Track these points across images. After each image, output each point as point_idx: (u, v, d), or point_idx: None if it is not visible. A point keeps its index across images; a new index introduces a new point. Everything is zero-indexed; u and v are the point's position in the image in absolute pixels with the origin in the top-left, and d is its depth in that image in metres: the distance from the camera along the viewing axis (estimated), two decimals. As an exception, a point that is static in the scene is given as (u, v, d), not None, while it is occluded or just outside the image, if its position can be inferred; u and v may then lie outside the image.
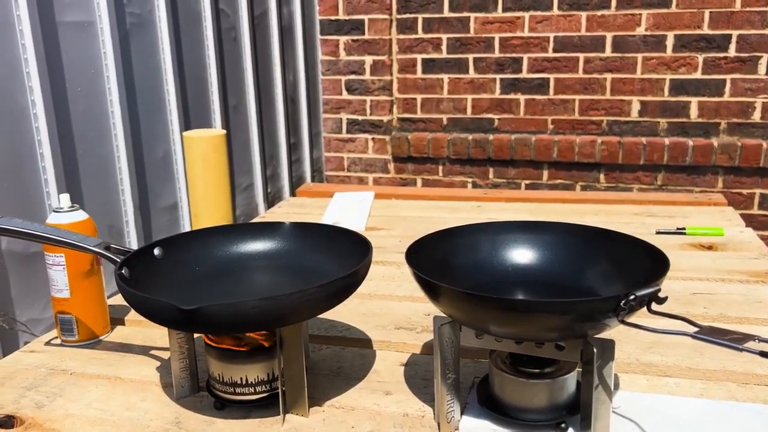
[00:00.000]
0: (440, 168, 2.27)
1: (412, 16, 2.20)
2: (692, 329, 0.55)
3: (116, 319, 0.99)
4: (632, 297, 0.58)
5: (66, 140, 1.32)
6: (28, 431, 0.72)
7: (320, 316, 0.92)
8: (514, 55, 2.15)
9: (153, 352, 0.89)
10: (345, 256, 0.77)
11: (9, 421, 0.73)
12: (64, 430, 0.72)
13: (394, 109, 2.30)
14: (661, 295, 0.60)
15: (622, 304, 0.58)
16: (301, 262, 0.82)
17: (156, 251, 0.75)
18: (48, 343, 0.94)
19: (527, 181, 2.22)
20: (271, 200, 2.01)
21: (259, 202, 1.95)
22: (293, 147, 2.18)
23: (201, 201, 1.28)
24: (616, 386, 0.79)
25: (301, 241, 0.84)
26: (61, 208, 0.88)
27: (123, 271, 0.70)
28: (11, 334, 1.09)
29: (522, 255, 0.80)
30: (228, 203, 1.33)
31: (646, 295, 0.59)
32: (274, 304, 0.63)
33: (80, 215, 0.89)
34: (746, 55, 1.99)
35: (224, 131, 1.32)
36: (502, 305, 0.63)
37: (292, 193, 2.09)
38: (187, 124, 1.64)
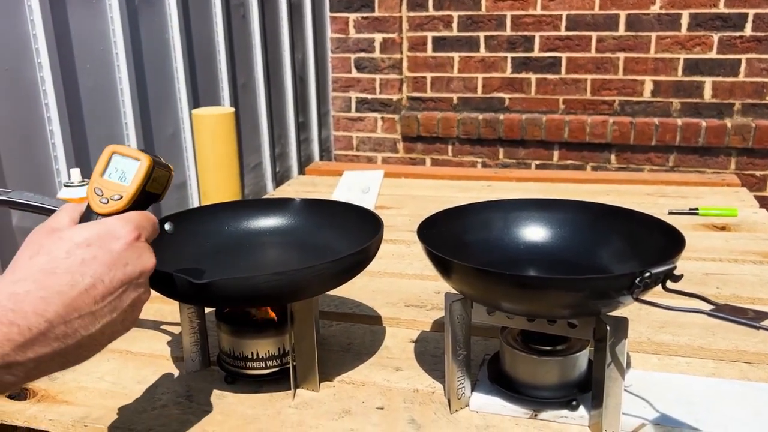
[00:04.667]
0: (450, 148, 2.26)
1: (423, -7, 2.18)
2: (708, 307, 0.55)
3: (127, 294, 1.00)
4: (647, 274, 0.57)
5: (75, 116, 1.32)
6: (41, 403, 0.72)
7: (331, 292, 0.92)
8: (525, 33, 2.13)
9: (164, 327, 0.90)
10: (356, 232, 0.76)
11: (22, 393, 0.74)
12: (77, 402, 0.72)
13: (404, 88, 2.28)
14: (675, 273, 0.59)
15: (636, 281, 0.58)
16: (311, 238, 0.82)
17: (167, 226, 0.75)
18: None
19: (537, 162, 2.21)
20: (280, 179, 2.01)
21: (268, 181, 1.95)
22: (302, 126, 2.17)
23: (210, 179, 1.28)
24: (628, 365, 0.78)
25: (311, 217, 0.84)
26: (72, 183, 0.87)
27: (134, 246, 0.69)
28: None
29: (534, 233, 0.79)
30: (237, 181, 1.33)
31: (662, 273, 0.58)
32: (286, 279, 0.62)
33: (91, 190, 0.89)
34: (763, 34, 1.96)
35: (233, 109, 1.31)
36: (515, 282, 0.63)
37: (301, 172, 2.09)
38: (195, 102, 1.63)
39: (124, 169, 0.57)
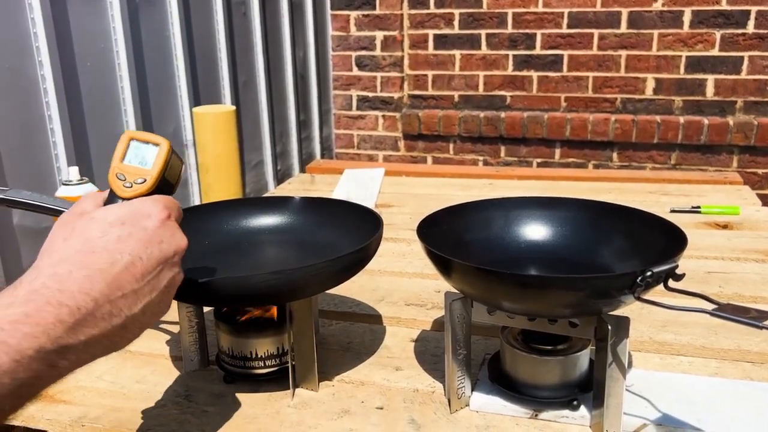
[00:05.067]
0: (451, 146, 2.25)
1: (424, -9, 2.17)
2: (710, 307, 0.54)
3: (126, 293, 0.99)
4: (649, 273, 0.57)
5: (76, 115, 1.31)
6: (39, 402, 0.72)
7: (330, 291, 0.92)
8: (527, 30, 2.12)
9: (163, 326, 0.89)
10: (355, 231, 0.76)
11: (20, 392, 0.73)
12: (75, 401, 0.72)
13: (405, 86, 2.28)
14: (677, 272, 0.58)
15: (638, 280, 0.57)
16: (311, 236, 0.81)
17: (165, 225, 0.75)
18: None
19: (539, 160, 2.20)
20: (281, 178, 2.01)
21: (269, 179, 1.95)
22: (303, 124, 2.16)
23: (211, 177, 1.28)
24: (630, 364, 0.78)
25: (311, 216, 0.83)
26: (70, 181, 0.87)
27: (132, 244, 0.69)
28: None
29: (535, 231, 0.79)
30: (238, 180, 1.33)
31: (663, 272, 0.58)
32: (284, 278, 0.62)
33: (89, 188, 0.88)
34: (765, 31, 1.95)
35: (233, 107, 1.31)
36: (516, 281, 0.62)
37: (302, 170, 2.09)
38: (196, 100, 1.63)
39: (144, 154, 0.56)
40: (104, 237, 0.48)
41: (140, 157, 0.56)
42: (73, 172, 0.87)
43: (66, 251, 0.47)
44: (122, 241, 0.48)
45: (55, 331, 0.41)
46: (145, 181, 0.55)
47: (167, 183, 0.58)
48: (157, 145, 0.57)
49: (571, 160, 2.17)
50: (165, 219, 0.52)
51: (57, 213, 0.77)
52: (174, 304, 0.78)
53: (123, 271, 0.47)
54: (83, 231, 0.49)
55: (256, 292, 0.62)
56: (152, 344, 0.85)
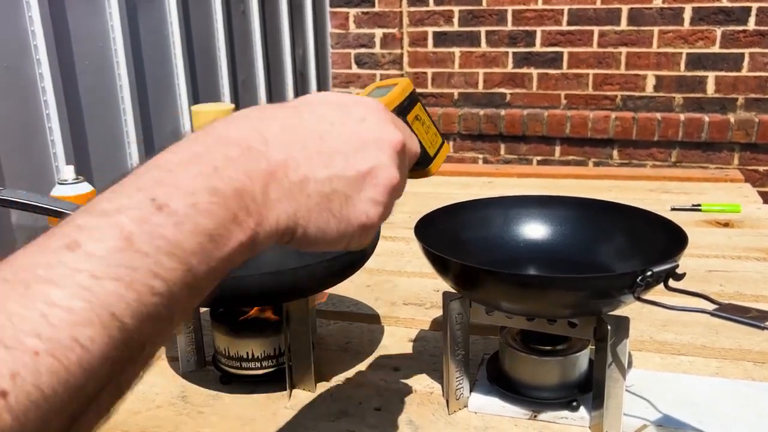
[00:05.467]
0: (451, 144, 2.25)
1: (424, -12, 2.16)
2: (711, 307, 0.53)
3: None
4: (649, 273, 0.56)
5: (74, 114, 1.31)
6: (34, 404, 0.71)
7: (327, 291, 0.91)
8: (527, 28, 2.11)
9: (160, 326, 0.89)
10: (353, 230, 0.75)
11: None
12: (70, 403, 0.71)
13: (405, 84, 2.27)
14: (678, 271, 0.58)
15: (638, 280, 0.56)
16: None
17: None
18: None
19: (539, 158, 2.19)
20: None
21: (268, 177, 1.94)
22: (302, 122, 2.16)
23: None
24: (630, 364, 0.77)
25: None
26: (66, 180, 0.87)
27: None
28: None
29: (535, 230, 0.78)
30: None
31: (664, 272, 0.57)
32: (280, 279, 0.61)
33: (85, 187, 0.88)
34: (766, 28, 1.94)
35: (232, 105, 1.30)
36: (514, 281, 0.61)
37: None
38: (195, 99, 1.62)
39: (382, 91, 0.50)
40: (301, 98, 0.42)
41: (379, 93, 0.50)
42: (69, 171, 0.87)
43: (249, 108, 0.40)
44: (314, 105, 0.41)
45: (226, 170, 0.34)
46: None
47: (410, 131, 0.48)
48: (396, 83, 0.50)
49: (571, 157, 2.16)
50: (381, 110, 0.43)
51: (52, 213, 0.77)
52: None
53: (304, 126, 0.39)
54: (284, 103, 0.42)
55: (252, 292, 0.62)
56: (149, 345, 0.84)
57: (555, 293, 0.60)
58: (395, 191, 0.42)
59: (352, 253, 0.67)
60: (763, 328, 0.48)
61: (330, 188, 0.39)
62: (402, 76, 2.23)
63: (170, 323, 0.31)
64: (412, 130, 0.49)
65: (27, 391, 0.24)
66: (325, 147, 0.39)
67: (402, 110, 0.49)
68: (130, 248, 0.29)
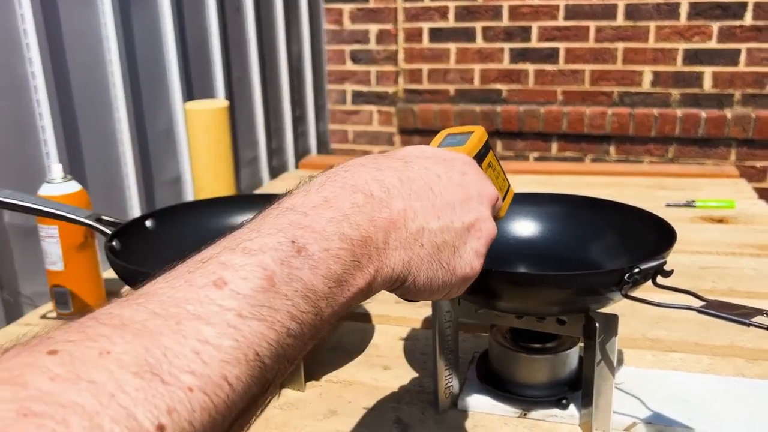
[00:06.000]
0: (447, 140, 2.24)
1: (419, -16, 2.15)
2: (699, 303, 0.53)
3: (112, 292, 0.98)
4: (636, 270, 0.56)
5: (67, 112, 1.30)
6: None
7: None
8: (523, 23, 2.10)
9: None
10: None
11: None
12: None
13: (400, 80, 2.26)
14: (667, 268, 0.57)
15: (626, 277, 0.56)
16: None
17: (148, 223, 0.74)
18: (44, 317, 0.93)
19: (536, 154, 2.18)
20: (276, 174, 1.99)
21: (264, 176, 1.93)
22: (298, 119, 2.15)
23: (204, 174, 1.26)
24: (620, 362, 0.77)
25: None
26: (54, 179, 0.86)
27: (113, 243, 0.68)
28: (15, 308, 1.09)
29: (524, 227, 0.78)
30: (231, 176, 1.32)
31: (651, 268, 0.57)
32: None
33: (73, 186, 0.87)
34: (763, 23, 1.93)
35: (227, 102, 1.29)
36: (502, 279, 0.61)
37: (297, 166, 2.07)
38: (189, 96, 1.61)
39: (459, 139, 0.53)
40: (403, 152, 0.45)
41: (454, 142, 0.52)
42: (56, 170, 0.86)
43: (359, 159, 0.43)
44: (419, 158, 0.44)
45: (354, 216, 0.36)
46: None
47: None
48: (471, 132, 0.53)
49: (568, 154, 2.16)
50: (474, 165, 0.47)
51: (39, 213, 0.76)
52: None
53: (417, 178, 0.41)
54: (384, 154, 0.45)
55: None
56: (138, 344, 0.84)
57: (543, 291, 0.60)
58: (491, 242, 0.45)
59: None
60: (749, 325, 0.48)
61: (441, 239, 0.41)
62: (397, 71, 2.22)
63: (294, 364, 0.32)
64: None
65: (182, 426, 0.24)
66: (436, 199, 0.41)
67: (478, 159, 0.51)
68: (272, 288, 0.30)
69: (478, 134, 0.52)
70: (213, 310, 0.28)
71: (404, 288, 0.40)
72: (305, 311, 0.31)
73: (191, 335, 0.27)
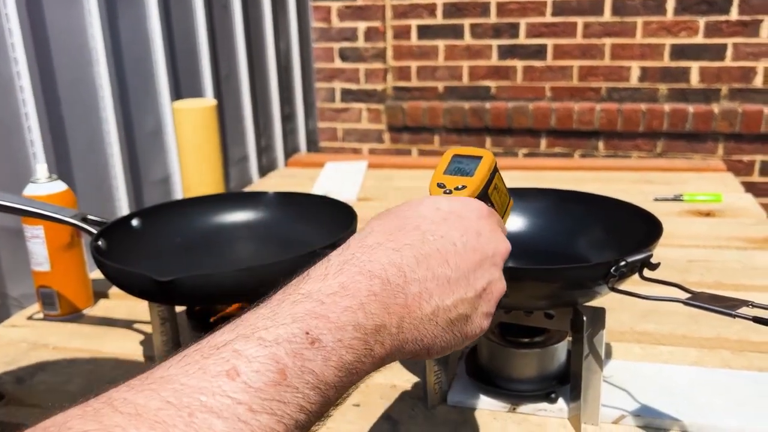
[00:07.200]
0: (436, 138, 2.24)
1: (407, -19, 2.15)
2: (686, 296, 0.53)
3: (100, 292, 0.98)
4: (623, 263, 0.56)
5: (53, 112, 1.29)
6: (8, 407, 0.70)
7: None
8: (511, 20, 2.10)
9: (136, 325, 0.88)
10: (330, 225, 0.75)
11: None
12: (45, 405, 0.70)
13: (389, 78, 2.26)
14: (654, 261, 0.58)
15: (612, 270, 0.56)
16: (284, 232, 0.80)
17: (134, 222, 0.73)
18: (30, 318, 0.92)
19: (525, 150, 2.19)
20: (266, 173, 1.99)
21: (253, 174, 1.93)
22: (287, 118, 2.14)
23: (192, 173, 1.26)
24: (609, 355, 0.77)
25: (285, 211, 0.82)
26: (38, 179, 0.85)
27: (99, 243, 0.68)
28: (3, 310, 1.08)
29: (512, 222, 0.77)
30: (220, 175, 1.31)
31: (638, 261, 0.57)
32: (252, 275, 0.61)
33: (58, 186, 0.86)
34: (748, 18, 1.95)
35: (215, 101, 1.29)
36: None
37: (286, 164, 2.07)
38: (177, 95, 1.60)
39: (467, 165, 0.54)
40: (417, 217, 0.45)
41: (462, 168, 0.54)
42: (41, 170, 0.85)
43: (376, 228, 0.44)
44: (435, 223, 0.44)
45: (370, 305, 0.37)
46: (465, 187, 0.52)
47: (489, 202, 0.53)
48: (480, 157, 0.54)
49: (557, 149, 2.16)
50: (487, 215, 0.48)
51: (24, 213, 0.76)
52: (145, 303, 0.76)
53: (434, 253, 0.42)
54: (399, 210, 0.46)
55: (222, 289, 0.61)
56: (125, 344, 0.83)
57: (530, 284, 0.60)
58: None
59: (326, 247, 0.66)
60: (734, 316, 0.48)
61: (456, 314, 0.42)
62: (386, 68, 2.22)
63: None
64: (491, 202, 0.53)
65: None
66: (452, 273, 0.42)
67: (486, 186, 0.53)
68: (283, 382, 0.31)
69: (488, 163, 0.54)
70: (225, 402, 0.29)
71: (416, 357, 0.42)
72: (314, 402, 0.33)
73: (203, 428, 0.28)
